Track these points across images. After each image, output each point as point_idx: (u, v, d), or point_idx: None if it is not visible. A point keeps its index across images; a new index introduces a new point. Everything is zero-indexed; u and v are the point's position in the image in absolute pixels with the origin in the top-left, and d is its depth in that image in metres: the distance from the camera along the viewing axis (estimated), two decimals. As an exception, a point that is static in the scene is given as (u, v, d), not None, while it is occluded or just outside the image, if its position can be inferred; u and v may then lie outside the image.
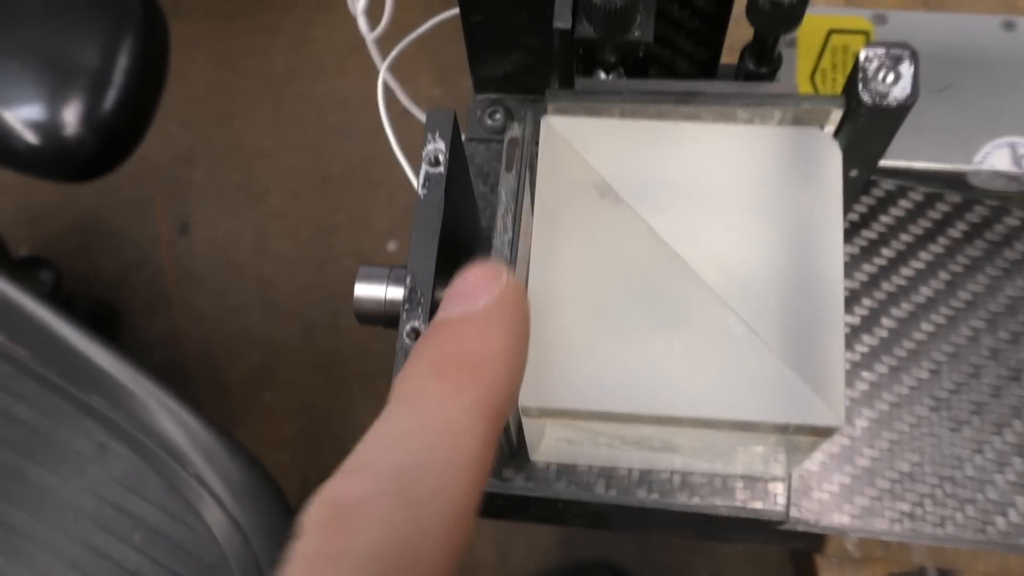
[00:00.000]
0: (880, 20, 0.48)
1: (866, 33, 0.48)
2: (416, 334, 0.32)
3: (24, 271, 1.24)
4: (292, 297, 1.44)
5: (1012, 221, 0.44)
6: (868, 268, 0.44)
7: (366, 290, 0.36)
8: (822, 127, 0.35)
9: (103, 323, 1.41)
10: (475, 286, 0.29)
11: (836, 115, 0.35)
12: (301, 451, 1.39)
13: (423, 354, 0.28)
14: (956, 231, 0.44)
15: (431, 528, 0.25)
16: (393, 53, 0.55)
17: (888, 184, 0.45)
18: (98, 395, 0.78)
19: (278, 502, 0.79)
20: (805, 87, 0.47)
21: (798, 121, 0.35)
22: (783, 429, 0.33)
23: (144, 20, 0.79)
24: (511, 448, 0.38)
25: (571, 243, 0.34)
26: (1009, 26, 0.47)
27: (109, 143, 0.75)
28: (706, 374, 0.33)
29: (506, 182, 0.33)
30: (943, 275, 0.43)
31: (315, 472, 1.36)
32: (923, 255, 0.44)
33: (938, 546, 0.42)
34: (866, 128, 0.34)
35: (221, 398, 1.42)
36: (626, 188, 0.34)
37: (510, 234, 0.33)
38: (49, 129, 0.72)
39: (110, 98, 0.75)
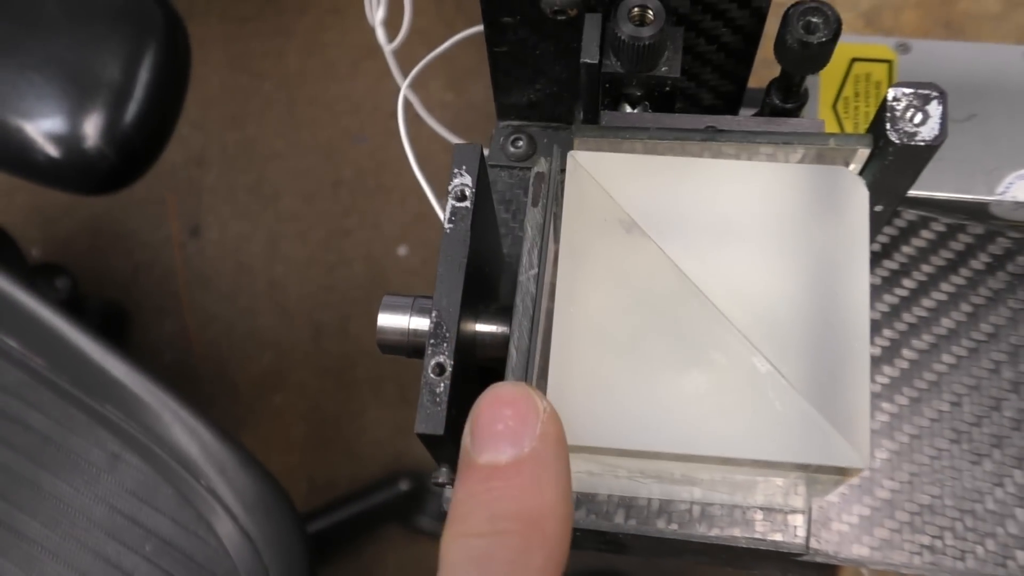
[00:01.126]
0: (903, 49, 0.48)
1: (889, 62, 0.48)
2: (441, 369, 0.32)
3: (40, 278, 1.24)
4: (302, 300, 1.45)
5: (1035, 253, 0.44)
6: (889, 298, 0.44)
7: (390, 320, 0.36)
8: (847, 164, 0.35)
9: (113, 324, 1.41)
10: (516, 424, 0.28)
11: (862, 153, 0.35)
12: (310, 454, 1.39)
13: (480, 509, 0.27)
14: (978, 262, 0.44)
15: None
16: (414, 72, 0.55)
17: (911, 214, 0.45)
18: (112, 405, 0.78)
19: (289, 515, 0.80)
20: (827, 115, 0.47)
21: (822, 158, 0.35)
22: (806, 468, 0.33)
23: (166, 34, 0.79)
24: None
25: (596, 279, 0.34)
26: (1033, 56, 0.47)
27: (129, 156, 0.75)
28: (730, 413, 0.33)
29: (532, 217, 0.34)
30: (965, 307, 0.43)
31: (323, 475, 1.36)
32: (945, 286, 0.44)
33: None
34: (893, 166, 0.34)
35: (230, 400, 1.42)
36: (652, 224, 0.34)
37: (536, 269, 0.33)
38: (70, 142, 0.72)
39: (131, 112, 0.75)
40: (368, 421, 1.37)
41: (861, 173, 0.35)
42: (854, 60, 0.48)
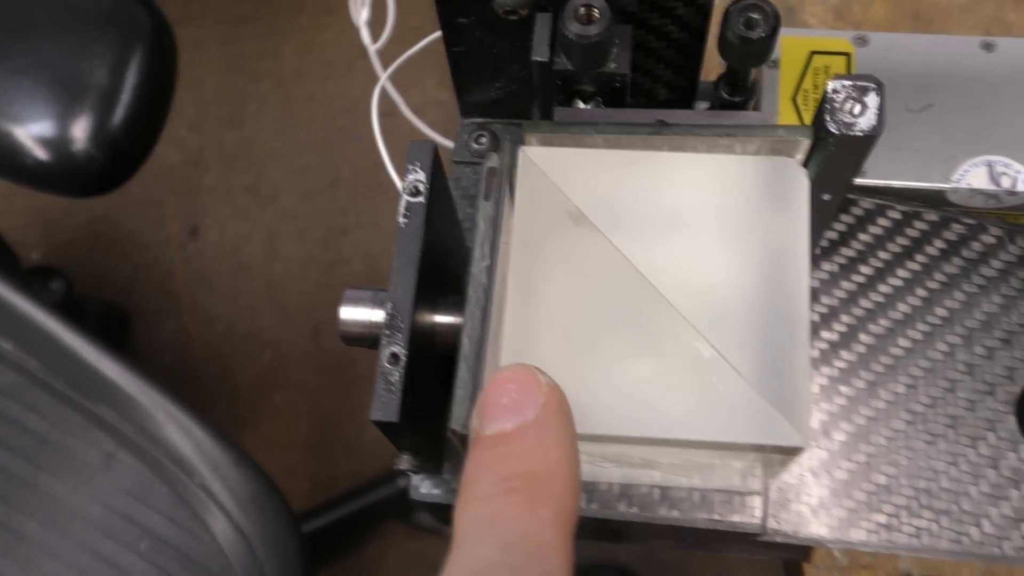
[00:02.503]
0: (861, 42, 0.49)
1: (847, 55, 0.49)
2: (396, 359, 0.34)
3: (36, 280, 1.26)
4: (301, 299, 1.46)
5: (988, 239, 0.45)
6: (847, 285, 0.45)
7: (351, 313, 0.37)
8: (795, 155, 0.36)
9: (114, 325, 1.43)
10: (519, 396, 0.29)
11: (808, 143, 0.36)
12: (311, 451, 1.40)
13: (487, 473, 0.28)
14: (933, 248, 0.45)
15: None
16: (392, 67, 0.56)
17: (868, 203, 0.46)
18: (107, 405, 0.79)
19: (283, 512, 0.81)
20: (787, 108, 0.48)
21: (770, 150, 0.36)
22: (749, 448, 0.34)
23: (153, 38, 0.80)
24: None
25: (548, 270, 0.35)
26: (988, 47, 0.48)
27: (117, 159, 0.77)
28: (677, 397, 0.34)
29: (484, 210, 0.35)
30: (920, 292, 0.44)
31: (324, 472, 1.37)
32: (901, 272, 0.45)
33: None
34: (835, 156, 0.35)
35: (231, 400, 1.43)
36: (601, 216, 0.36)
37: (488, 261, 0.34)
38: (59, 146, 0.74)
39: (119, 115, 0.76)
40: (368, 418, 1.38)
41: (807, 163, 0.36)
42: (813, 53, 0.49)
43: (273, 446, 1.39)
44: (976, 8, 0.62)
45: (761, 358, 0.34)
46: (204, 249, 1.52)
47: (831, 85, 0.34)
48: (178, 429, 0.80)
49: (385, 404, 0.33)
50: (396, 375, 0.33)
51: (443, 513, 0.44)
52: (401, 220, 0.35)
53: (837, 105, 0.34)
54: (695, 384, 0.34)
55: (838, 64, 0.49)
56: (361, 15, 0.58)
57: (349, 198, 1.51)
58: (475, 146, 0.46)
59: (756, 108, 0.48)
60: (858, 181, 0.46)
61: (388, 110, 0.58)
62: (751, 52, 0.36)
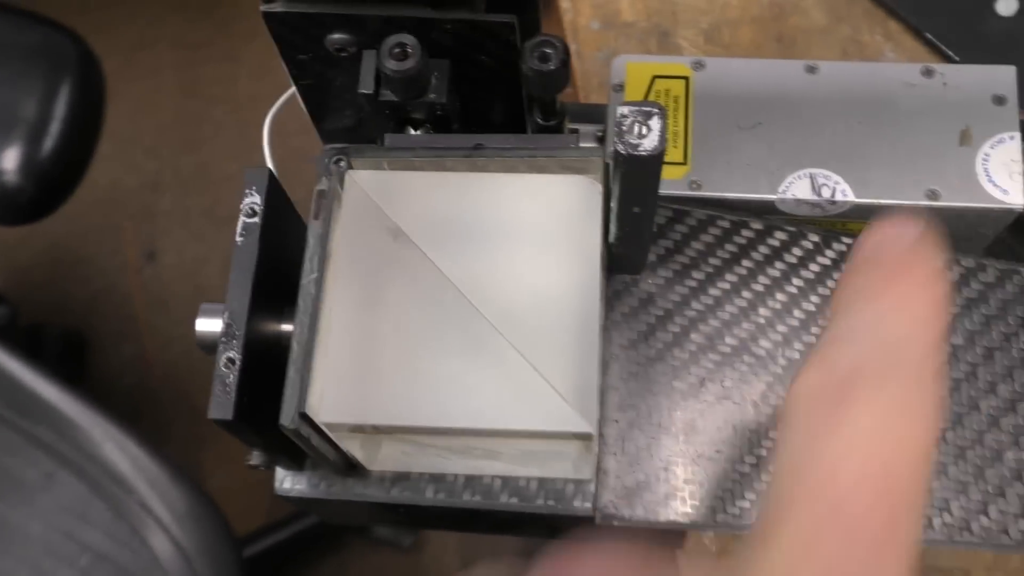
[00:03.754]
0: (698, 66, 0.53)
1: (686, 78, 0.53)
2: (231, 363, 0.38)
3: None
4: (258, 319, 1.49)
5: (807, 244, 0.49)
6: (681, 289, 0.49)
7: (206, 324, 0.41)
8: (596, 174, 0.41)
9: (73, 350, 1.46)
10: None
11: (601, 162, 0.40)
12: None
13: None
14: (758, 255, 0.49)
15: None
16: (276, 105, 0.60)
17: (700, 214, 0.50)
18: (45, 426, 0.83)
19: (220, 527, 0.84)
20: (630, 127, 0.52)
21: (576, 169, 0.41)
22: (548, 436, 0.38)
23: (80, 70, 0.84)
24: (346, 460, 0.43)
25: (373, 283, 0.40)
26: (812, 70, 0.52)
27: (46, 189, 0.80)
28: (483, 392, 0.38)
29: (313, 229, 0.39)
30: (746, 294, 0.48)
31: (284, 487, 1.40)
32: (729, 276, 0.49)
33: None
34: (631, 174, 0.39)
35: (191, 420, 1.46)
36: (422, 233, 0.40)
37: (315, 274, 0.38)
38: (-12, 178, 0.77)
39: (47, 146, 0.80)
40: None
41: (612, 180, 0.40)
42: (655, 77, 0.53)
43: (233, 464, 1.42)
44: (834, 31, 0.67)
45: (557, 356, 0.38)
46: (161, 272, 1.55)
47: (619, 110, 0.38)
48: (115, 447, 0.83)
49: (221, 404, 0.37)
50: (231, 377, 0.37)
51: (314, 507, 0.48)
52: (238, 238, 0.39)
53: (625, 128, 0.37)
54: (498, 380, 0.38)
55: (677, 87, 0.53)
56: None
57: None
58: (335, 169, 0.50)
59: (603, 129, 0.52)
60: (693, 194, 0.50)
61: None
62: (548, 82, 0.40)
